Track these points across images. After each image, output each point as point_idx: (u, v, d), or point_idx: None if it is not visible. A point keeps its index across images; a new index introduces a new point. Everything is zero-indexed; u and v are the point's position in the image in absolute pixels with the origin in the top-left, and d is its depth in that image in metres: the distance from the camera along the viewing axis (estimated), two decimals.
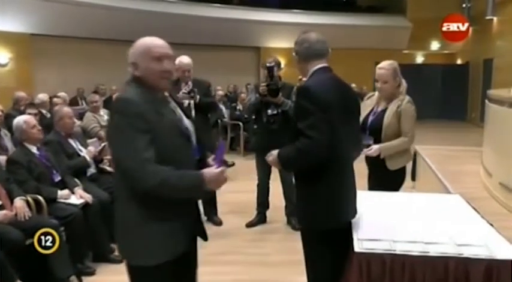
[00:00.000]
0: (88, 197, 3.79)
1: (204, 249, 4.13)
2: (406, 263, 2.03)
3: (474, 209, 2.69)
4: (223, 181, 1.87)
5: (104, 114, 5.91)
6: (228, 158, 7.93)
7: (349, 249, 2.17)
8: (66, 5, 10.66)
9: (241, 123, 8.90)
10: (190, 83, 4.60)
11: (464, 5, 14.41)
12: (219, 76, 11.84)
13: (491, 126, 5.24)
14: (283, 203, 4.74)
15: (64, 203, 3.66)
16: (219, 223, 4.75)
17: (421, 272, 2.02)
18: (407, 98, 3.22)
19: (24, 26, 10.61)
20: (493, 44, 12.59)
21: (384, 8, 15.85)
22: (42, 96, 6.92)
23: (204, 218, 4.90)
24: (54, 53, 11.33)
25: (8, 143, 4.82)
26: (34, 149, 3.74)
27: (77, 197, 3.77)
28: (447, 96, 15.32)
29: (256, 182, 4.81)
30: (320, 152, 2.15)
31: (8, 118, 5.22)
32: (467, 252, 2.03)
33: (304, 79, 2.47)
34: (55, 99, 6.91)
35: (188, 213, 1.98)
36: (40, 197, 3.52)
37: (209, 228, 4.63)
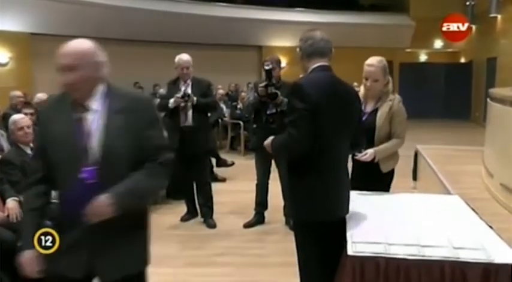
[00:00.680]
0: None
1: (201, 251, 4.15)
2: (401, 267, 1.98)
3: (473, 210, 2.63)
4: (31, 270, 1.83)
5: None
6: (228, 157, 7.92)
7: (342, 250, 2.13)
8: (66, 5, 10.66)
9: (241, 123, 8.84)
10: (189, 81, 4.56)
11: (467, 3, 14.32)
12: (221, 75, 11.81)
13: (493, 125, 5.14)
14: (281, 203, 4.67)
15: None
16: (213, 226, 4.70)
17: (417, 275, 1.97)
18: (397, 97, 3.10)
19: (24, 26, 10.61)
20: (497, 42, 12.49)
21: (387, 6, 15.77)
22: (41, 96, 6.86)
23: (200, 219, 4.86)
24: (55, 53, 11.25)
25: (4, 143, 4.79)
26: (28, 150, 3.68)
27: None
28: (450, 95, 15.24)
29: (255, 182, 4.76)
30: (295, 148, 2.28)
31: (6, 117, 5.20)
32: (464, 256, 1.97)
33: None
34: None
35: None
36: None
37: (207, 229, 4.65)
